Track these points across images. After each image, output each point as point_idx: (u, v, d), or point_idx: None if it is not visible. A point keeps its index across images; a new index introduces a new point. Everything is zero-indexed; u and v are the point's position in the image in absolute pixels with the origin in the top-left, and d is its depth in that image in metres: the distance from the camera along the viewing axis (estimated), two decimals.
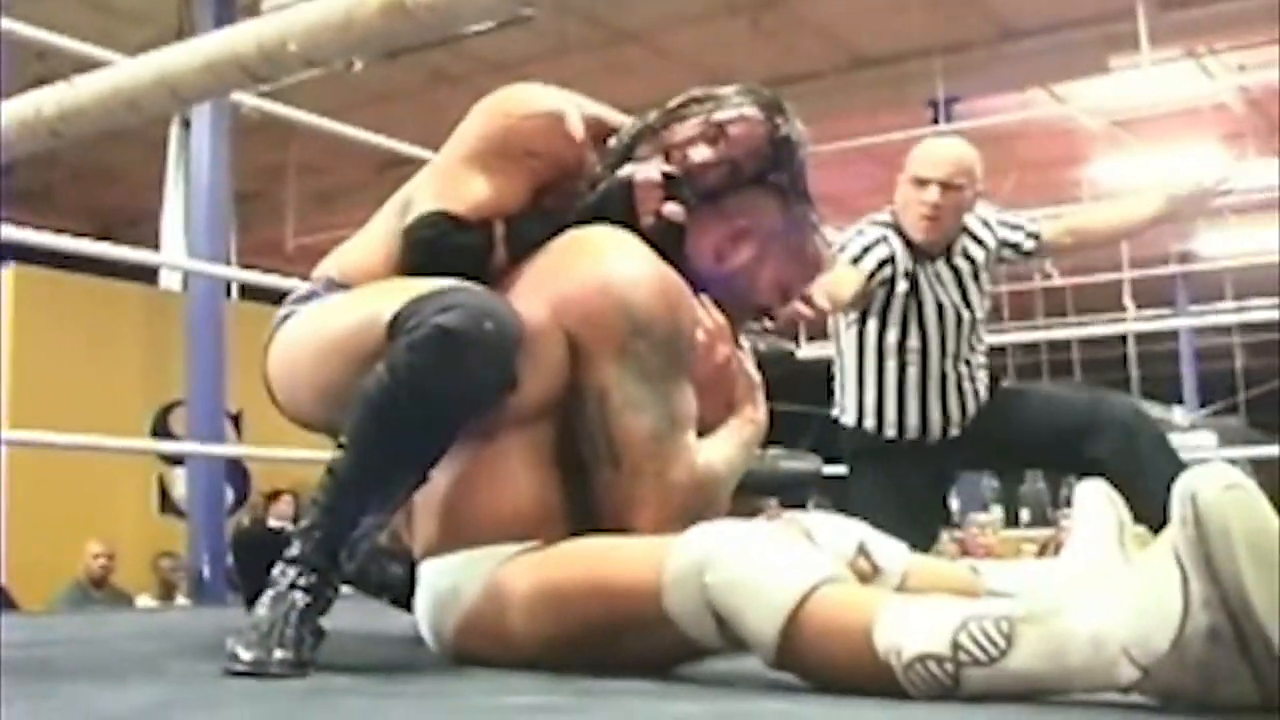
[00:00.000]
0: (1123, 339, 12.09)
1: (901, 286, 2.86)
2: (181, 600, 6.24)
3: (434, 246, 1.61)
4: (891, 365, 2.90)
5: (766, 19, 8.07)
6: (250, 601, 1.98)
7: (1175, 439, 3.10)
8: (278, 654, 1.39)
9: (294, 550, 1.45)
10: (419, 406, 1.43)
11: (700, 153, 1.68)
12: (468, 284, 1.50)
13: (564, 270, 1.58)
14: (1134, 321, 10.21)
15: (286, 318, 1.71)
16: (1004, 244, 2.99)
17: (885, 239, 2.85)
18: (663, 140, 1.70)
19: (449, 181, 1.65)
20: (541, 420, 1.56)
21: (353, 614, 2.14)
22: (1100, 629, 1.10)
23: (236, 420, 6.70)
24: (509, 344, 1.45)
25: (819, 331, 3.33)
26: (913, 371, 2.89)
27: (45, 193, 9.61)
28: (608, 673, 1.37)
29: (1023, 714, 1.09)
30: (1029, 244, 3.01)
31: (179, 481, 6.80)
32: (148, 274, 7.77)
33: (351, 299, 1.62)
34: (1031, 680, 1.12)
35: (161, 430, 7.02)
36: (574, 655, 1.41)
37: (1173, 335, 13.20)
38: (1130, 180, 10.19)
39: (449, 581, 1.55)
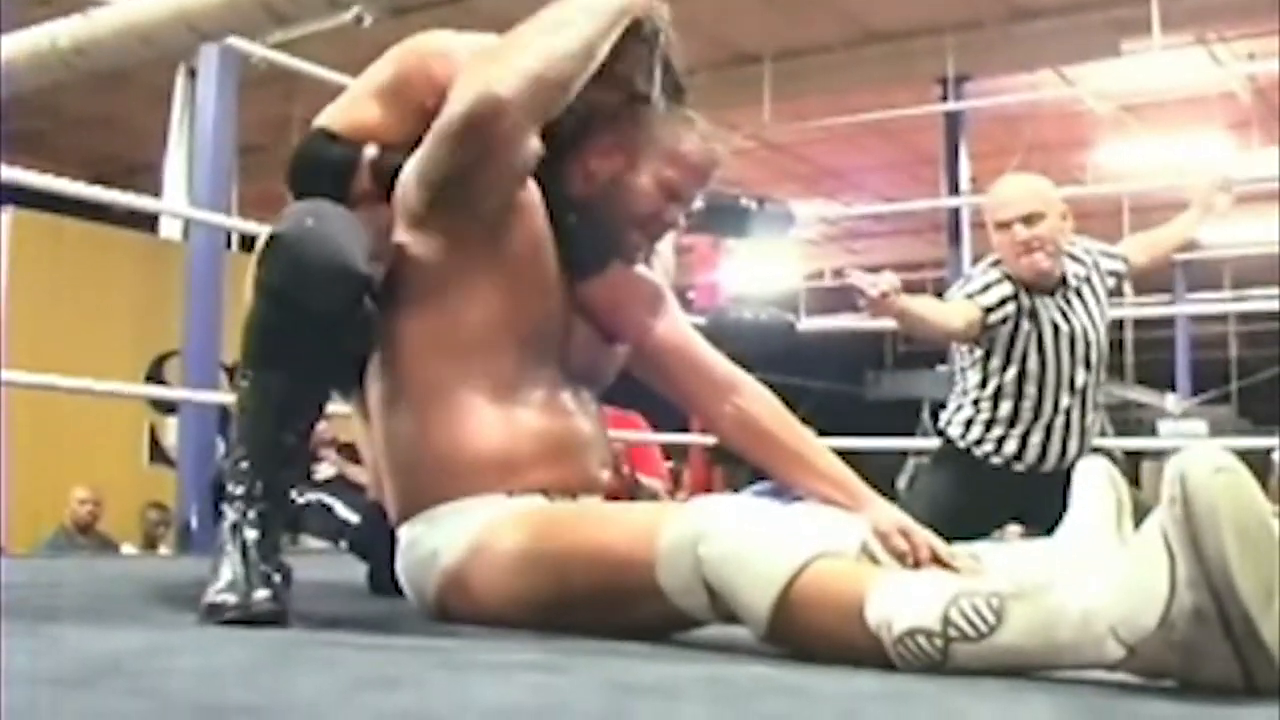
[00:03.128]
0: (1119, 324, 12.05)
1: (1025, 325, 2.85)
2: (164, 551, 6.24)
3: (302, 155, 1.74)
4: (1007, 405, 2.88)
5: None
6: None
7: (1166, 426, 3.10)
8: (257, 594, 1.40)
9: (232, 488, 1.47)
10: (279, 312, 1.50)
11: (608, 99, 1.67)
12: (321, 200, 1.58)
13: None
14: (1131, 307, 10.20)
15: None
16: (1108, 272, 2.98)
17: (1006, 279, 2.84)
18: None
19: (342, 107, 1.77)
20: (480, 360, 1.58)
21: (335, 568, 2.15)
22: (1089, 607, 1.10)
23: (231, 372, 6.68)
24: (334, 236, 1.51)
25: (836, 307, 3.31)
26: (1027, 405, 2.87)
27: (42, 139, 9.55)
28: (596, 635, 1.38)
29: (1009, 688, 1.09)
30: (1123, 267, 3.01)
31: (170, 431, 6.77)
32: (146, 222, 7.73)
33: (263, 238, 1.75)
34: (1020, 656, 1.13)
35: (155, 379, 7.00)
36: (562, 621, 1.42)
37: (1169, 322, 13.20)
38: (1135, 167, 10.15)
39: (429, 543, 1.55)
